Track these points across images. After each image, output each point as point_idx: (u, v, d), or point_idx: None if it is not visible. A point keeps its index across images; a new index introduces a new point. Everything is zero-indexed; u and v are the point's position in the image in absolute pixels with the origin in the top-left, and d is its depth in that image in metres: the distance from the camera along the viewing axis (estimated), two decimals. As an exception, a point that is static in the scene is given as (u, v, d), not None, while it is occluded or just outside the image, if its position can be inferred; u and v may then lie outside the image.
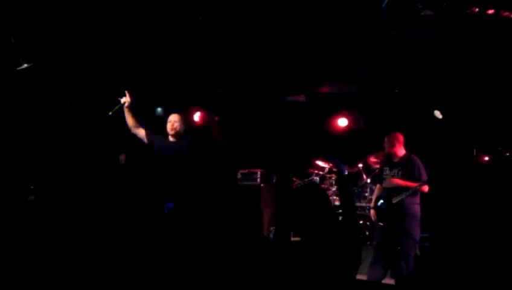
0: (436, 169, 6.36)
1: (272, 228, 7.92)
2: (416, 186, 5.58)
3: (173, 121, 5.54)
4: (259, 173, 8.18)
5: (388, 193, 5.79)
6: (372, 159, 7.59)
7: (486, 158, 6.45)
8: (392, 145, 5.85)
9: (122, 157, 7.40)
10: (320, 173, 7.82)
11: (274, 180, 8.35)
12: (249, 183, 8.16)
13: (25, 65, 5.76)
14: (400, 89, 7.41)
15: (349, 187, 7.17)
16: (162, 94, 8.36)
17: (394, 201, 5.67)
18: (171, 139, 5.56)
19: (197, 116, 8.66)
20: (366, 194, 7.52)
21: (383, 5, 4.82)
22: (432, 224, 6.77)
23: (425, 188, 5.68)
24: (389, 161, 5.95)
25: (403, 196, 5.63)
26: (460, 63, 6.26)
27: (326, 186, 7.67)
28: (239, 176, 8.28)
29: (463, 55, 6.09)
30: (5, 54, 5.85)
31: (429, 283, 3.40)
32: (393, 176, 5.80)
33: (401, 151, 5.86)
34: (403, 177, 5.72)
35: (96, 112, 8.12)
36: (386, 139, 5.92)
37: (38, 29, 6.00)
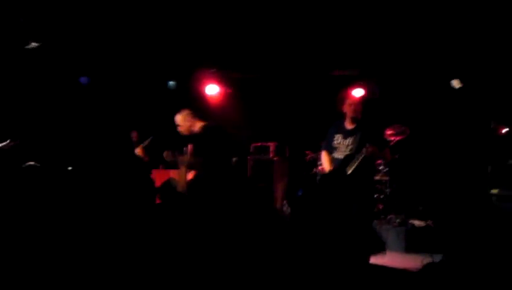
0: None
1: (285, 201, 7.91)
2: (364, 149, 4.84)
3: (178, 126, 5.46)
4: (272, 146, 8.12)
5: (340, 164, 5.08)
6: (389, 132, 7.45)
7: (505, 130, 6.27)
8: (357, 112, 5.11)
9: (134, 134, 7.39)
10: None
11: (287, 153, 8.29)
12: (262, 156, 8.12)
13: (34, 44, 5.71)
14: (414, 59, 7.20)
15: None
16: (174, 67, 8.30)
17: (349, 171, 4.98)
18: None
19: (209, 90, 8.60)
20: (380, 168, 7.41)
21: None
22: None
23: (387, 154, 5.17)
24: (341, 127, 5.20)
25: (356, 161, 4.93)
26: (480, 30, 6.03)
27: None
28: (251, 150, 8.24)
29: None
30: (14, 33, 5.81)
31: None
32: (347, 146, 5.10)
33: (359, 116, 5.14)
34: (358, 147, 4.97)
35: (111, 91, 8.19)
36: (348, 102, 5.15)
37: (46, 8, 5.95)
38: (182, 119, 5.41)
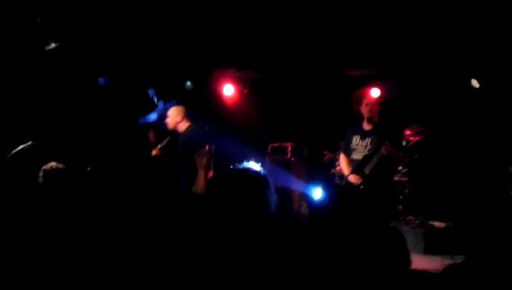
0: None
1: (303, 202, 7.88)
2: (382, 149, 4.91)
3: (167, 117, 5.49)
4: (289, 146, 8.09)
5: (358, 165, 5.15)
6: (407, 132, 7.37)
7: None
8: (373, 112, 5.18)
9: (151, 134, 7.40)
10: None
11: (305, 154, 8.26)
12: (280, 157, 8.10)
13: (53, 45, 5.76)
14: (432, 58, 7.11)
15: None
16: (191, 67, 8.32)
17: (367, 171, 5.06)
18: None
19: (226, 90, 8.58)
20: (399, 168, 7.33)
21: None
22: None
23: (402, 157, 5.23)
24: (359, 129, 5.27)
25: (375, 160, 5.01)
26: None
27: None
28: (269, 150, 8.21)
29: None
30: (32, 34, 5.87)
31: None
32: (365, 147, 5.16)
33: (376, 117, 5.22)
34: (376, 148, 5.05)
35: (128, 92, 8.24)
36: (364, 102, 5.21)
37: (64, 8, 6.01)
38: (173, 113, 5.47)
